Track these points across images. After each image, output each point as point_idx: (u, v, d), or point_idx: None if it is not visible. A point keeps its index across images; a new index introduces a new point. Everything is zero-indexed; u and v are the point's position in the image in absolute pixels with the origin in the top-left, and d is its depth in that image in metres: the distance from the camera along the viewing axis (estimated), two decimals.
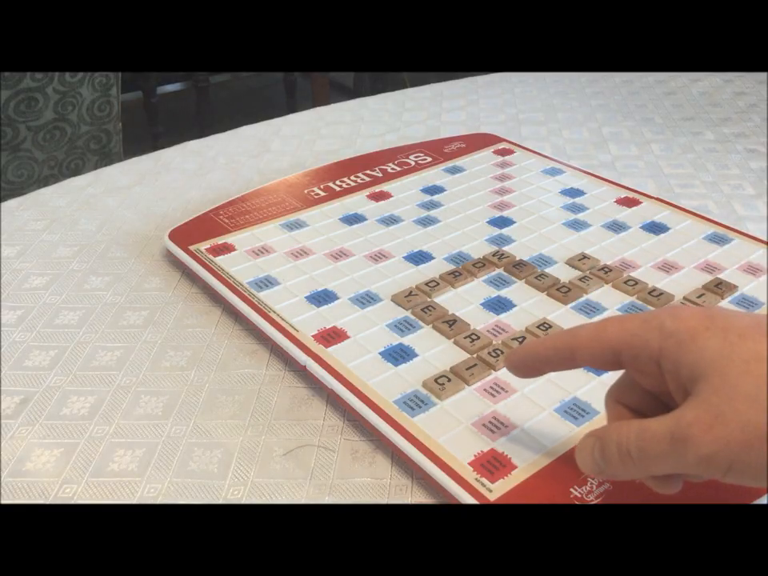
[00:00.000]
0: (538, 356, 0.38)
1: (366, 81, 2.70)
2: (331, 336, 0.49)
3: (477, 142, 0.77)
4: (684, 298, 0.52)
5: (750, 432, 0.29)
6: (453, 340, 0.48)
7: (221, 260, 0.57)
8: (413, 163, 0.73)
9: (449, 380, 0.45)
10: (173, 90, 2.80)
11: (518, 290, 0.53)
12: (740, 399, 0.29)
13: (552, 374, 0.45)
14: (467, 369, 0.45)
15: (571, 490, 0.38)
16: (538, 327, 0.49)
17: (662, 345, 0.32)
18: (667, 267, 0.56)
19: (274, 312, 0.51)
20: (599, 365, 0.36)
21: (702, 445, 0.30)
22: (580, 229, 0.61)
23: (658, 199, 0.65)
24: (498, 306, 0.52)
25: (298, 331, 0.49)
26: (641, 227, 0.61)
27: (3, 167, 1.14)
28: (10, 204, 0.71)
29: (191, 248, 0.59)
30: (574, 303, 0.52)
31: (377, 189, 0.68)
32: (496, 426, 0.42)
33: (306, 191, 0.68)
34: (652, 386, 0.34)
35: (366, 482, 0.41)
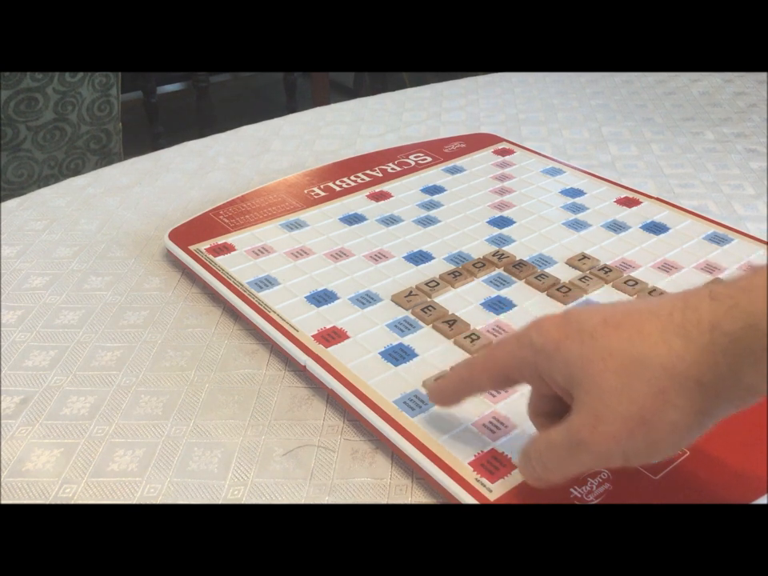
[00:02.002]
0: (449, 390, 0.40)
1: (366, 81, 2.70)
2: (331, 336, 0.49)
3: (477, 142, 0.77)
4: None
5: (628, 422, 0.31)
6: (453, 340, 0.48)
7: (221, 260, 0.57)
8: (413, 163, 0.73)
9: None
10: (173, 89, 2.80)
11: (517, 290, 0.53)
12: (609, 395, 0.32)
13: None
14: None
15: (571, 490, 0.38)
16: None
17: (535, 360, 0.34)
18: (667, 267, 0.56)
19: (274, 312, 0.51)
20: (499, 386, 0.39)
21: (593, 444, 0.32)
22: (580, 229, 0.61)
23: (658, 199, 0.65)
24: (498, 306, 0.52)
25: (297, 331, 0.49)
26: (641, 227, 0.61)
27: (3, 167, 1.14)
28: (10, 204, 0.71)
29: (191, 248, 0.59)
30: (574, 303, 0.52)
31: (377, 189, 0.68)
32: (496, 426, 0.42)
33: (306, 191, 0.68)
34: (550, 392, 0.36)
35: (365, 482, 0.41)
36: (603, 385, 0.32)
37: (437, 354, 0.47)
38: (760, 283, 0.29)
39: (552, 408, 0.36)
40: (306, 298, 0.53)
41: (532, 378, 0.35)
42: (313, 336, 0.49)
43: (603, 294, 0.53)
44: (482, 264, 0.56)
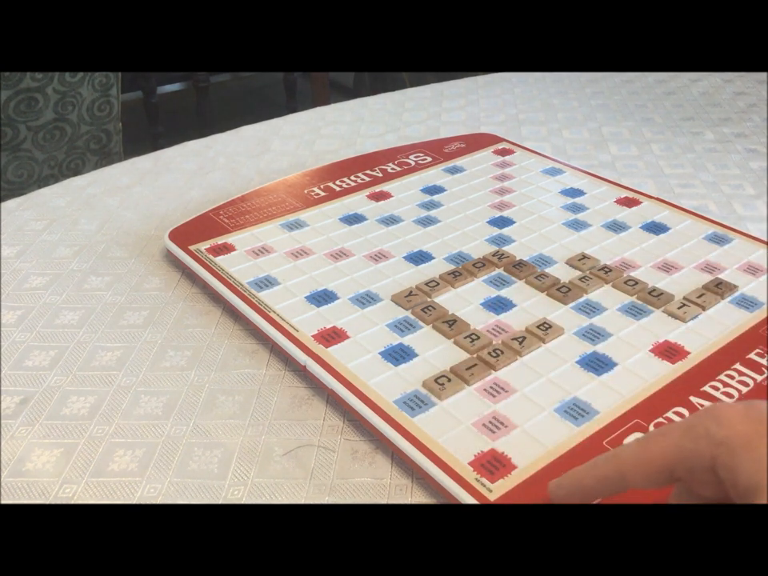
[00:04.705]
0: (585, 488, 0.36)
1: (366, 81, 2.70)
2: (331, 336, 0.49)
3: (477, 142, 0.77)
4: (684, 298, 0.52)
5: None
6: (453, 340, 0.48)
7: (221, 260, 0.57)
8: (413, 163, 0.73)
9: (449, 380, 0.45)
10: (173, 89, 2.80)
11: (517, 290, 0.53)
12: None
13: (552, 374, 0.45)
14: (467, 369, 0.45)
15: None
16: (537, 327, 0.49)
17: (713, 453, 0.31)
18: (667, 267, 0.56)
19: (274, 312, 0.51)
20: (653, 485, 0.34)
21: None
22: (580, 229, 0.61)
23: (658, 199, 0.65)
24: (498, 306, 0.52)
25: (297, 331, 0.49)
26: (641, 227, 0.61)
27: (3, 167, 1.14)
28: (10, 204, 0.71)
29: (191, 248, 0.59)
30: (573, 303, 0.52)
31: (377, 189, 0.68)
32: (496, 425, 0.42)
33: (306, 191, 0.68)
34: (712, 492, 0.32)
35: (365, 482, 0.41)
36: None
37: (437, 354, 0.47)
38: None
39: None
40: (305, 298, 0.53)
41: (701, 474, 0.32)
42: (313, 336, 0.49)
43: (603, 294, 0.53)
44: (481, 264, 0.56)
